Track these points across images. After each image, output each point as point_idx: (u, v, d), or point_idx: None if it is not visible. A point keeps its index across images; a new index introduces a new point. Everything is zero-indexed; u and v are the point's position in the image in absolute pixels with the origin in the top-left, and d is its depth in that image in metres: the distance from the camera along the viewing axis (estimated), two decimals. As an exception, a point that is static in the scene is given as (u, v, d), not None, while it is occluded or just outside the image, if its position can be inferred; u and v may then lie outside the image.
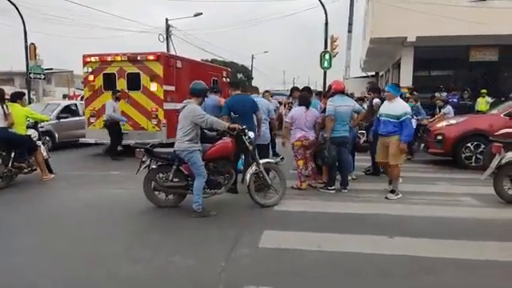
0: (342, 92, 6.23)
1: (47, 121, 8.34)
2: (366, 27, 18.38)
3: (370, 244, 3.95)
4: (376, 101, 7.03)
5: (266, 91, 10.59)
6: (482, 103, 12.46)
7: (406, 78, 14.91)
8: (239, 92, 6.21)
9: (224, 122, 5.16)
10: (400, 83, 15.08)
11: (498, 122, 7.96)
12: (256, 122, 6.06)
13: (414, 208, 5.26)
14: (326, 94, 6.30)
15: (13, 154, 6.75)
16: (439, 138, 8.34)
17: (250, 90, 7.16)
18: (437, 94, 12.68)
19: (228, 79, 13.17)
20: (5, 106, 6.71)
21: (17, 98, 7.26)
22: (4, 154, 6.64)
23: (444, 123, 8.71)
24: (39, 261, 3.68)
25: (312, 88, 9.20)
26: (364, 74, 25.64)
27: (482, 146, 7.89)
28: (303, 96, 6.66)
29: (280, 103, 13.78)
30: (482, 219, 4.82)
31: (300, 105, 6.49)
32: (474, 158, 8.07)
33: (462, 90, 13.21)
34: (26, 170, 7.00)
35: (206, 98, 6.64)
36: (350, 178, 6.58)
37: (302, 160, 6.33)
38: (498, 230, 4.44)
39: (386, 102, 6.01)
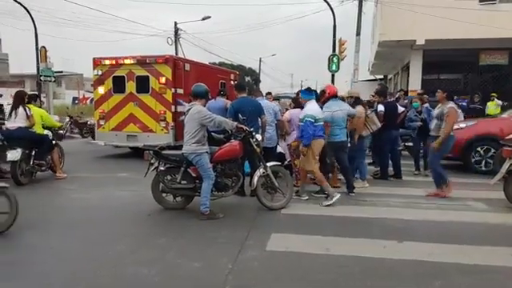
0: (335, 96, 6.27)
1: (58, 127, 8.41)
2: (375, 30, 18.32)
3: (378, 248, 3.93)
4: (380, 109, 7.03)
5: (268, 93, 10.19)
6: (492, 107, 12.31)
7: (415, 82, 14.83)
8: (245, 95, 6.25)
9: (232, 122, 5.18)
10: (409, 86, 15.05)
11: (508, 125, 7.85)
12: (261, 125, 6.09)
13: (423, 212, 5.21)
14: (320, 98, 6.39)
15: (33, 153, 7.10)
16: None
17: (254, 93, 7.21)
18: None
19: (236, 82, 13.18)
20: (26, 108, 7.01)
21: (31, 99, 7.56)
22: (27, 152, 6.95)
23: (453, 127, 8.60)
24: (46, 260, 3.73)
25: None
26: (372, 77, 25.54)
27: (492, 150, 7.80)
28: (296, 99, 7.06)
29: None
30: (492, 224, 4.76)
31: (295, 107, 6.83)
32: (483, 162, 7.98)
33: (473, 93, 13.09)
34: (43, 168, 7.34)
35: (212, 101, 6.68)
36: (364, 185, 6.64)
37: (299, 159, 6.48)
38: (508, 235, 4.39)
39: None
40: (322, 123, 5.62)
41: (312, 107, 5.62)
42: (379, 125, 6.72)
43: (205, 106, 5.17)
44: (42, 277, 3.39)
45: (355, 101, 6.79)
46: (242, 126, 5.12)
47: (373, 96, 7.90)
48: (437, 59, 14.98)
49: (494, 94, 12.55)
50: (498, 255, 3.77)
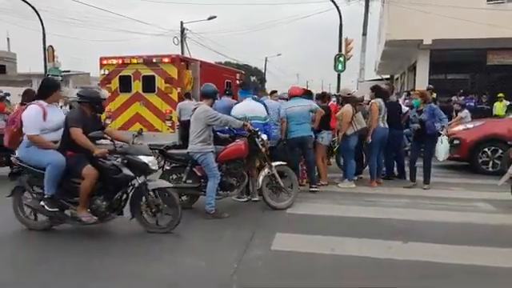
0: (298, 96, 6.40)
1: None
2: (382, 30, 18.24)
3: (383, 249, 3.91)
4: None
5: (273, 92, 9.28)
6: (500, 107, 12.19)
7: (422, 82, 14.72)
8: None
9: (238, 121, 5.18)
10: (415, 86, 14.94)
11: (516, 126, 7.79)
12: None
13: (429, 213, 5.18)
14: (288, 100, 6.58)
15: None
16: (456, 142, 8.18)
17: (259, 93, 7.25)
18: (454, 98, 12.48)
19: (241, 81, 13.21)
20: None
21: None
22: None
23: (461, 127, 8.56)
24: (57, 258, 3.77)
25: (327, 91, 9.07)
26: (379, 77, 25.41)
27: (500, 151, 7.74)
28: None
29: None
30: (499, 225, 4.72)
31: None
32: (491, 163, 7.91)
33: (480, 93, 12.96)
34: None
35: (217, 100, 6.71)
36: (350, 186, 6.59)
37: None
38: (516, 237, 4.35)
39: None
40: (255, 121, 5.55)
41: (236, 107, 5.77)
42: (365, 124, 6.65)
43: (211, 105, 5.18)
44: (50, 272, 3.43)
45: (344, 99, 6.80)
46: (248, 124, 5.14)
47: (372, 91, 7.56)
48: (444, 59, 14.87)
49: (501, 95, 12.41)
50: (505, 256, 3.74)
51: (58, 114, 4.34)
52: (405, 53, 16.29)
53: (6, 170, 7.41)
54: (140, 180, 4.24)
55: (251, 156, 5.43)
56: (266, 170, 5.28)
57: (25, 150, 4.19)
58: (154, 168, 4.31)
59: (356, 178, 7.01)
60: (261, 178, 5.23)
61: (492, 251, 3.87)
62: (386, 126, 6.72)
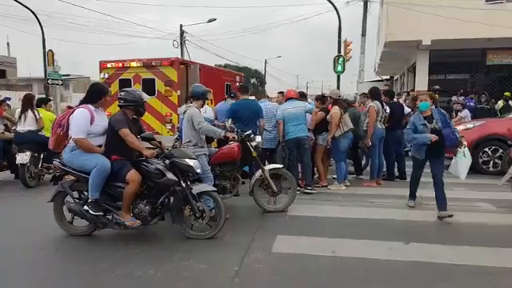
0: (294, 98, 6.48)
1: None
2: (381, 31, 18.25)
3: (385, 250, 3.90)
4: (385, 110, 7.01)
5: (280, 92, 8.88)
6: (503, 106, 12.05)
7: (422, 82, 14.74)
8: (246, 97, 6.27)
9: (220, 130, 5.12)
10: (415, 87, 14.95)
11: (516, 126, 7.77)
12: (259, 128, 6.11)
13: (430, 213, 5.16)
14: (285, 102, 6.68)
15: (42, 156, 7.16)
16: (456, 142, 8.17)
17: (258, 95, 7.26)
18: (454, 98, 12.46)
19: (241, 84, 13.24)
20: (35, 111, 7.10)
21: (41, 102, 7.70)
22: (35, 155, 7.04)
23: (461, 127, 8.54)
24: (56, 259, 3.76)
25: (325, 93, 9.05)
26: (378, 78, 25.42)
27: (500, 151, 7.73)
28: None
29: None
30: (500, 225, 4.71)
31: None
32: (491, 162, 7.90)
33: (479, 93, 12.95)
34: (51, 171, 7.28)
35: (222, 102, 6.74)
36: (340, 188, 6.58)
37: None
38: (517, 237, 4.34)
39: None
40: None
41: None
42: (352, 126, 6.64)
43: (202, 106, 5.13)
44: (49, 277, 3.43)
45: (334, 101, 6.78)
46: (229, 135, 4.99)
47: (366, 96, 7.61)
48: (443, 59, 14.87)
49: (507, 94, 12.28)
50: (506, 257, 3.73)
51: (104, 119, 4.30)
52: (404, 53, 16.30)
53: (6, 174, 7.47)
54: (184, 184, 4.17)
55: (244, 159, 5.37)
56: (258, 174, 5.25)
57: (70, 154, 4.16)
58: (198, 171, 4.27)
59: (347, 180, 6.99)
60: (252, 181, 5.22)
61: (494, 251, 3.87)
62: (383, 126, 6.83)
